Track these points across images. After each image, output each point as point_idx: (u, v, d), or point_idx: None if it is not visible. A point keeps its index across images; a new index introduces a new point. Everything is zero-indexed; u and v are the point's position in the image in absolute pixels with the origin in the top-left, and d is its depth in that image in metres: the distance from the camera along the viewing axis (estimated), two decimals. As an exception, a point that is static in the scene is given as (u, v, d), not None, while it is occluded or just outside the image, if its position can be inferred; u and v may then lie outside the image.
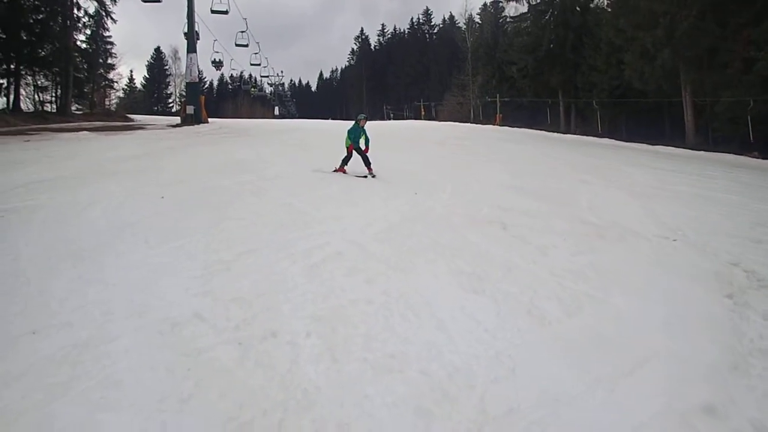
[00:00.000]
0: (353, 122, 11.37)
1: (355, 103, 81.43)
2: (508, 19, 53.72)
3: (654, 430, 2.83)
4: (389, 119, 60.67)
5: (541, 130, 34.81)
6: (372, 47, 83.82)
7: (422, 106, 58.98)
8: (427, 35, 78.27)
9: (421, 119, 53.22)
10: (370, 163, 10.82)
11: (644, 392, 3.17)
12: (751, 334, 4.01)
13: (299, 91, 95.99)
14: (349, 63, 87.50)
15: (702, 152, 24.25)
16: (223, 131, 21.53)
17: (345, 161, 11.08)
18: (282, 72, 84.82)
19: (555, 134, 32.42)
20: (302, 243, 5.77)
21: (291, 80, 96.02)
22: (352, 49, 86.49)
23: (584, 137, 31.02)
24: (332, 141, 18.09)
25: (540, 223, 7.30)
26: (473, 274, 5.02)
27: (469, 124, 41.24)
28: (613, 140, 29.34)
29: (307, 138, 18.88)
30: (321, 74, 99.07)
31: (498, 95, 45.88)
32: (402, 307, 4.25)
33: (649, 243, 6.65)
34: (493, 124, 39.55)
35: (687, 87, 29.90)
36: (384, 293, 4.48)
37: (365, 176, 10.65)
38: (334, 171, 10.99)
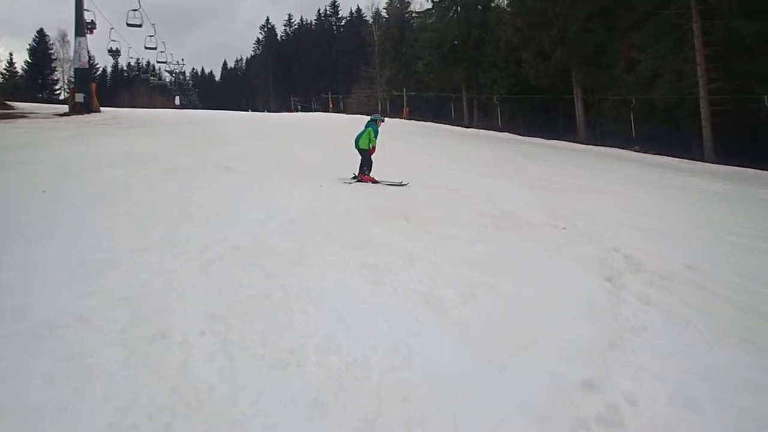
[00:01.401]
0: (369, 122, 10.23)
1: (261, 94, 79.59)
2: (413, 14, 54.71)
3: (537, 406, 2.99)
4: (297, 111, 59.88)
5: (445, 123, 35.82)
6: (278, 37, 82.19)
7: (330, 99, 58.71)
8: (334, 27, 77.87)
9: (329, 112, 52.97)
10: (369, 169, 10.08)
11: (530, 372, 3.35)
12: (627, 314, 4.36)
13: (202, 80, 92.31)
14: (255, 52, 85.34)
15: (591, 146, 26.03)
16: (117, 121, 20.19)
17: (370, 167, 10.01)
18: (183, 60, 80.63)
19: (459, 128, 33.45)
20: (199, 238, 5.55)
21: (193, 69, 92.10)
22: (258, 38, 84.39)
23: (486, 131, 32.25)
24: (240, 133, 17.58)
25: (442, 214, 7.51)
26: (375, 265, 5.06)
27: (377, 117, 41.57)
28: (513, 134, 30.78)
29: (212, 130, 18.18)
30: (225, 63, 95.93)
31: (405, 89, 46.55)
32: (302, 301, 4.20)
33: (541, 231, 7.04)
34: (401, 118, 40.11)
35: (578, 85, 32.01)
36: (283, 287, 4.41)
37: (406, 184, 9.76)
38: (358, 180, 9.86)
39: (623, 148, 25.23)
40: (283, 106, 67.79)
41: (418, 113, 43.10)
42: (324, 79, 69.91)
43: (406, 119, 38.56)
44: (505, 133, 31.38)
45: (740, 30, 22.02)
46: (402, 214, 7.29)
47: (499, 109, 38.38)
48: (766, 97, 21.48)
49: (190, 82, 77.95)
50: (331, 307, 4.10)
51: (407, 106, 44.75)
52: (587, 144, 27.20)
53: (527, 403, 3.03)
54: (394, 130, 25.28)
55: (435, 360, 3.44)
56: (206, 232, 5.78)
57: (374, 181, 9.89)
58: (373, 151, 10.06)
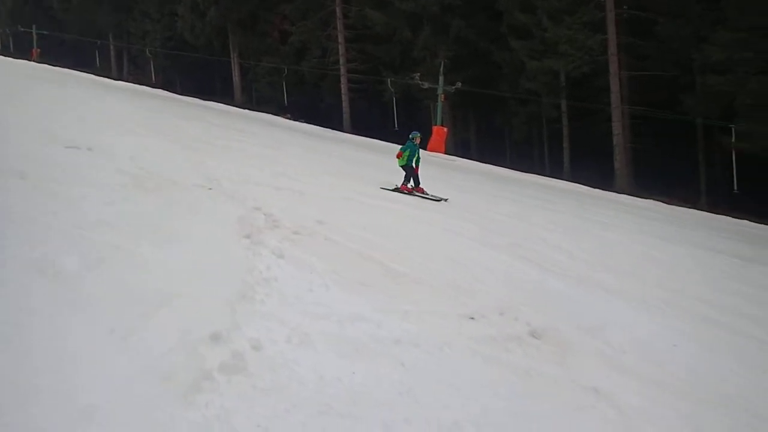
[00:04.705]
0: (408, 141, 10.70)
1: None
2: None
3: (163, 365, 2.94)
4: None
5: (89, 73, 31.62)
6: None
7: None
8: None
9: None
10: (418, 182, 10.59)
11: (159, 333, 3.26)
12: (261, 267, 4.64)
13: None
14: None
15: (247, 110, 26.70)
16: None
17: (411, 181, 10.54)
18: None
19: (106, 80, 30.01)
20: None
21: None
22: None
23: (138, 86, 29.75)
24: None
25: (70, 174, 6.60)
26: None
27: (-6, 55, 33.97)
28: (168, 92, 29.20)
29: None
30: None
31: (34, 26, 39.27)
32: None
33: (186, 192, 6.90)
34: (29, 60, 33.73)
35: (235, 48, 32.27)
36: None
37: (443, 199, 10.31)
38: (406, 192, 10.38)
39: (275, 114, 26.64)
40: None
41: (53, 57, 36.94)
42: None
43: (37, 62, 32.80)
44: (161, 90, 29.53)
45: (372, 18, 25.48)
46: (19, 171, 6.14)
47: (152, 63, 35.86)
48: (389, 79, 25.49)
49: None
50: None
51: (38, 47, 38.04)
52: (243, 108, 27.77)
53: (153, 364, 2.96)
54: (15, 72, 21.17)
55: (44, 337, 3.03)
56: None
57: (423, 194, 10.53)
58: (417, 170, 10.60)
